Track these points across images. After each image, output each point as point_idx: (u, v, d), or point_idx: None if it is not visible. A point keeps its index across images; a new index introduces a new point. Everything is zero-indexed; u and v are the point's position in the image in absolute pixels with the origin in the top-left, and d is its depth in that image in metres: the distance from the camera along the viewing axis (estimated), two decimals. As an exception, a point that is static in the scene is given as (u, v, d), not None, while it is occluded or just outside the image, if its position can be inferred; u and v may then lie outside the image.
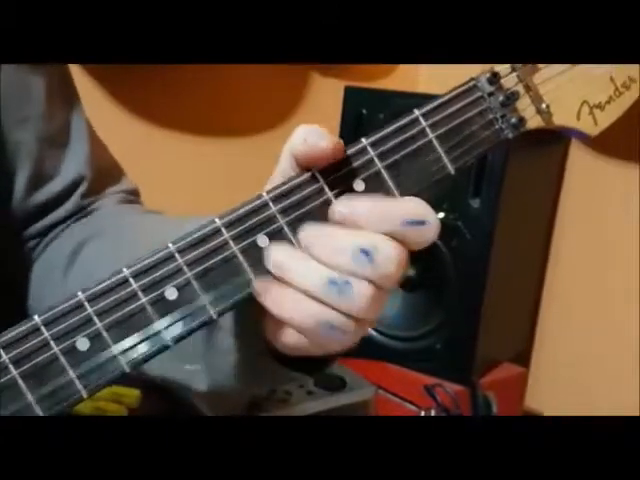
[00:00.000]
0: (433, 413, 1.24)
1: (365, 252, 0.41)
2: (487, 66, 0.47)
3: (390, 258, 0.42)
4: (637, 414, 1.30)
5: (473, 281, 1.32)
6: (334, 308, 0.42)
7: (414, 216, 0.42)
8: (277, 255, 0.43)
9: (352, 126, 1.40)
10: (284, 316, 0.42)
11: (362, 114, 1.41)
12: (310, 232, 0.43)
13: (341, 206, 0.43)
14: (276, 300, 0.42)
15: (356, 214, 0.42)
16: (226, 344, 0.50)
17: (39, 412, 0.42)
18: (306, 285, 0.42)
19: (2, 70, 0.58)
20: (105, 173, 0.66)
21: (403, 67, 1.69)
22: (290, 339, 0.43)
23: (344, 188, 0.44)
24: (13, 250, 0.62)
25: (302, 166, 0.44)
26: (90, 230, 0.61)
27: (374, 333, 1.37)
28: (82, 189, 0.63)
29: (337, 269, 0.42)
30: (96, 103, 0.61)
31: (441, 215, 1.29)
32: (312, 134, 0.43)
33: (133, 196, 0.68)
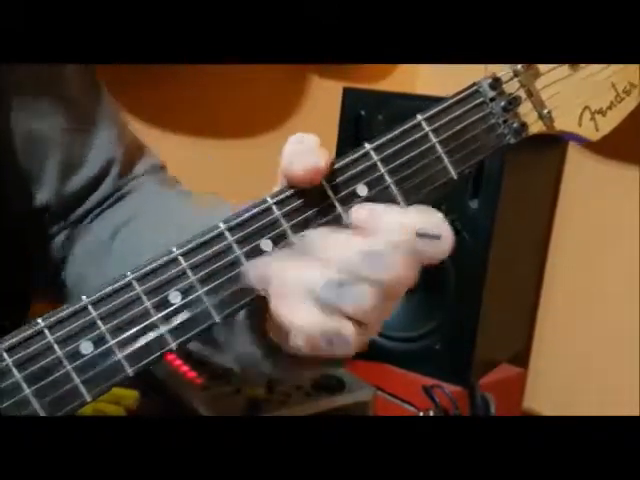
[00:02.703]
0: (432, 414, 1.24)
1: (373, 255, 0.41)
2: (487, 69, 0.47)
3: (396, 266, 0.41)
4: (637, 414, 1.30)
5: (472, 282, 1.32)
6: (334, 311, 0.41)
7: (430, 229, 0.42)
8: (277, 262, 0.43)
9: (351, 127, 1.39)
10: (293, 324, 0.42)
11: (361, 115, 1.40)
12: (317, 234, 0.43)
13: (359, 212, 0.43)
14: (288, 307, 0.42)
15: (373, 219, 0.43)
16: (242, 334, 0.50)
17: (43, 415, 0.42)
18: (308, 284, 0.42)
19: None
20: (133, 151, 0.66)
21: (402, 68, 1.68)
22: (292, 343, 0.43)
23: (347, 192, 0.44)
24: (37, 241, 0.62)
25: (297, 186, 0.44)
26: (128, 212, 0.62)
27: (373, 334, 1.37)
28: (115, 171, 0.64)
29: (343, 271, 0.41)
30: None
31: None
32: (302, 156, 0.43)
33: (161, 171, 0.69)
